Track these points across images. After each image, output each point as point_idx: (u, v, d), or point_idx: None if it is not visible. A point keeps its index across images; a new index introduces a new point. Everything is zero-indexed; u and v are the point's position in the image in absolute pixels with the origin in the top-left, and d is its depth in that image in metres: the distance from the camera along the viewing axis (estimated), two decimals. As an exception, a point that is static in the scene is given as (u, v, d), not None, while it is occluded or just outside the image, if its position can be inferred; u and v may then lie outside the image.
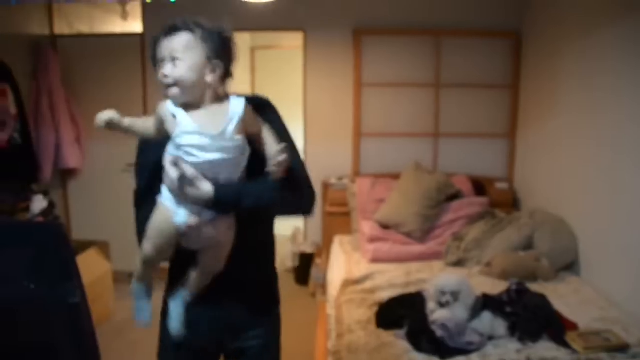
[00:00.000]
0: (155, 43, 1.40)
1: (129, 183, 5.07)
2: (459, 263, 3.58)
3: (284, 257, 5.07)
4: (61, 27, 4.78)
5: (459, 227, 3.86)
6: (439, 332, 2.38)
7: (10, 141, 3.83)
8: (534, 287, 2.90)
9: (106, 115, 1.38)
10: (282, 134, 1.49)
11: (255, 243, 1.61)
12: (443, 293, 2.48)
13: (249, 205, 1.41)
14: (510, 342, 2.39)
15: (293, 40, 5.32)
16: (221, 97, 1.42)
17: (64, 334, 2.36)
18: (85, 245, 3.99)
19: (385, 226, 3.89)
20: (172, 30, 1.37)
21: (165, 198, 1.43)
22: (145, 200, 1.50)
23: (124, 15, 5.31)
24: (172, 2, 2.25)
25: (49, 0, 2.78)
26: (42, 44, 4.50)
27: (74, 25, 4.89)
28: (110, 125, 1.38)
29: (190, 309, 1.56)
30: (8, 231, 2.26)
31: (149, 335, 3.31)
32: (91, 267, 3.86)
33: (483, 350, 2.33)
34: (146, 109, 4.69)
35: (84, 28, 4.98)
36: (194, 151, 1.34)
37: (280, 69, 5.98)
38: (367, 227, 3.88)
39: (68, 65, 4.68)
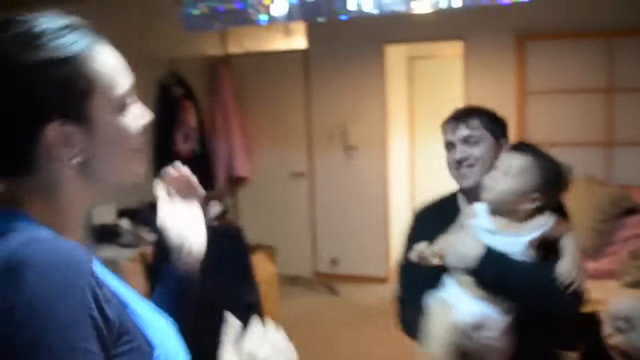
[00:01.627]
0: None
1: (293, 191, 5.38)
2: (637, 284, 3.29)
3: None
4: (233, 47, 5.20)
5: (637, 245, 3.53)
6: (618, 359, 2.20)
7: (192, 152, 4.26)
8: None
9: (417, 250, 1.44)
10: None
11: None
12: (616, 318, 2.29)
13: (509, 277, 1.34)
14: None
15: (451, 49, 5.25)
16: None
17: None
18: (253, 249, 4.28)
19: (552, 240, 3.69)
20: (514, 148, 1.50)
21: (450, 294, 1.39)
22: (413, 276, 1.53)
23: (288, 33, 5.62)
24: (341, 19, 2.38)
25: (231, 24, 3.07)
26: (217, 64, 4.94)
27: (244, 45, 5.29)
28: (422, 260, 1.42)
29: None
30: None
31: (312, 336, 3.47)
32: (258, 269, 4.13)
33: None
34: (310, 121, 4.93)
35: (252, 47, 5.37)
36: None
37: (438, 78, 5.91)
38: (532, 241, 3.71)
39: (239, 82, 5.08)
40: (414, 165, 6.13)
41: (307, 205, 5.08)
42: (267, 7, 2.41)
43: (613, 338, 2.30)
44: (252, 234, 5.13)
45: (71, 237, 0.72)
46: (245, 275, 2.46)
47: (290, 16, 2.41)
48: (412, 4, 2.29)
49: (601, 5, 4.11)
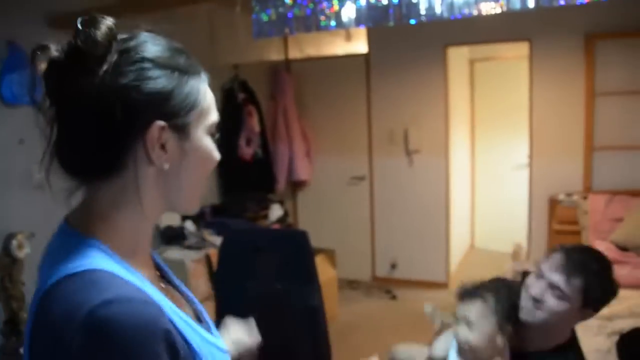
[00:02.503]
0: None
1: (353, 195, 5.39)
2: None
3: (503, 274, 4.90)
4: (294, 52, 5.27)
5: None
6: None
7: (254, 156, 4.33)
8: None
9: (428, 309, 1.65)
10: None
11: None
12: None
13: None
14: None
15: (514, 51, 5.14)
16: None
17: (303, 333, 2.59)
18: (314, 252, 4.31)
19: (623, 248, 3.55)
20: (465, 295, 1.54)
21: None
22: None
23: (348, 37, 5.65)
24: (411, 23, 2.36)
25: (300, 30, 3.12)
26: (279, 68, 5.02)
27: (304, 50, 5.35)
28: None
29: None
30: (264, 237, 2.57)
31: (370, 339, 3.45)
32: (319, 272, 4.16)
33: None
34: (370, 124, 4.93)
35: (312, 51, 5.42)
36: None
37: (501, 80, 5.79)
38: (601, 248, 3.56)
39: (300, 86, 5.14)
40: (475, 169, 6.03)
41: (367, 209, 5.08)
42: (336, 13, 2.43)
43: None
44: (311, 238, 5.18)
45: (141, 250, 0.81)
46: (309, 278, 2.48)
47: (359, 21, 2.41)
48: (482, 5, 2.25)
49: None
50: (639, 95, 4.11)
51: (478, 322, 1.48)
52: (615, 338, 2.57)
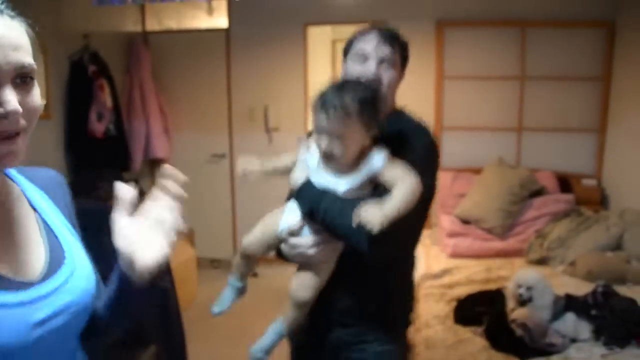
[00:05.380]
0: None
1: (213, 173, 5.29)
2: (541, 261, 3.48)
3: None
4: (152, 24, 5.02)
5: (542, 225, 3.74)
6: (519, 332, 2.33)
7: (106, 132, 4.08)
8: (622, 290, 2.77)
9: (242, 165, 1.52)
10: (416, 166, 1.38)
11: (356, 272, 1.51)
12: (518, 286, 2.46)
13: (321, 210, 1.41)
14: (595, 346, 2.30)
15: (373, 33, 5.31)
16: (365, 151, 1.42)
17: (154, 316, 2.51)
18: (171, 232, 4.19)
19: (465, 221, 3.84)
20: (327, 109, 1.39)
21: (291, 202, 1.52)
22: None
23: (210, 11, 5.49)
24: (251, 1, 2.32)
25: (144, 0, 2.96)
26: (135, 40, 4.75)
27: (163, 22, 5.12)
28: (249, 176, 1.51)
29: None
30: (104, 217, 2.42)
31: (230, 319, 3.43)
32: (177, 252, 4.05)
33: (565, 352, 2.27)
34: (230, 101, 4.85)
35: (172, 24, 5.20)
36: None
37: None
38: (446, 222, 3.85)
39: (158, 60, 4.91)
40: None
41: (227, 187, 5.02)
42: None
43: (516, 312, 2.44)
44: (171, 217, 5.03)
45: None
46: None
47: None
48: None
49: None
50: (482, 80, 4.44)
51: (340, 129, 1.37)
52: (454, 304, 2.78)
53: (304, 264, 1.51)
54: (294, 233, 1.47)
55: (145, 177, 4.99)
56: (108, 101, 4.12)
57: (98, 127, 4.02)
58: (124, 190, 0.91)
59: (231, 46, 4.80)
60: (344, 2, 4.43)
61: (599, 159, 4.36)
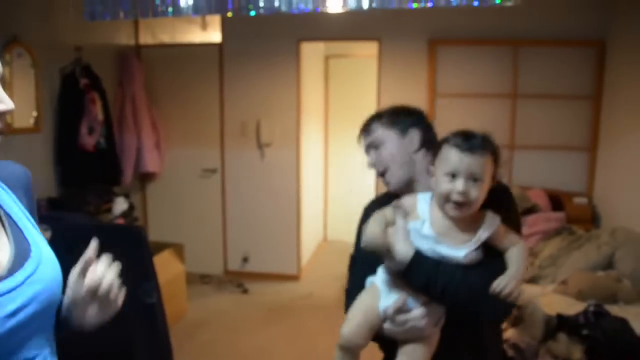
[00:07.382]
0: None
1: (204, 188, 5.27)
2: (532, 280, 3.47)
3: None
4: (145, 37, 5.02)
5: (533, 243, 3.74)
6: (510, 352, 2.31)
7: (97, 146, 4.05)
8: (614, 310, 2.76)
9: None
10: (514, 225, 1.38)
11: (466, 348, 1.45)
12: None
13: (440, 282, 1.32)
14: (587, 366, 2.28)
15: (366, 49, 5.33)
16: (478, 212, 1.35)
17: (141, 332, 2.47)
18: (161, 247, 4.15)
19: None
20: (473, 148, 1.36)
21: (379, 279, 1.41)
22: (361, 267, 1.49)
23: (204, 26, 5.50)
24: (251, 15, 2.31)
25: (136, 15, 2.95)
26: (128, 54, 4.74)
27: (157, 36, 5.12)
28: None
29: None
30: (94, 232, 2.39)
31: (220, 335, 3.40)
32: (166, 267, 4.01)
33: (557, 373, 2.25)
34: (223, 116, 4.85)
35: (166, 38, 5.20)
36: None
37: (354, 77, 6.00)
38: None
39: (150, 74, 4.91)
40: (328, 163, 6.18)
41: (218, 202, 4.99)
42: (174, -1, 2.32)
43: (507, 332, 2.42)
44: (161, 232, 5.01)
45: None
46: (147, 275, 2.37)
47: (197, 9, 2.33)
48: (322, 3, 2.28)
49: (508, 15, 4.30)
50: (474, 98, 4.46)
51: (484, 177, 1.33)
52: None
53: (413, 338, 1.38)
54: (402, 309, 1.35)
55: (136, 191, 4.96)
56: (99, 114, 4.09)
57: (89, 140, 3.99)
58: (90, 248, 0.98)
59: (224, 61, 4.80)
60: (338, 19, 4.45)
61: (591, 177, 4.38)
